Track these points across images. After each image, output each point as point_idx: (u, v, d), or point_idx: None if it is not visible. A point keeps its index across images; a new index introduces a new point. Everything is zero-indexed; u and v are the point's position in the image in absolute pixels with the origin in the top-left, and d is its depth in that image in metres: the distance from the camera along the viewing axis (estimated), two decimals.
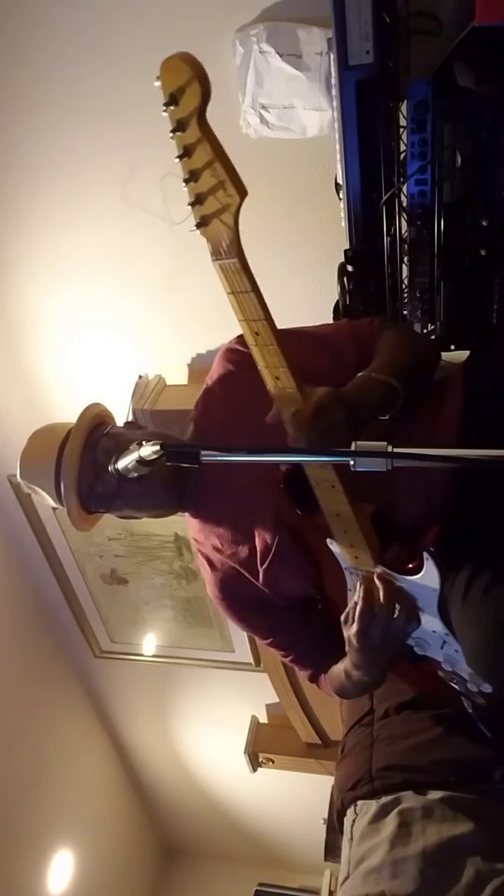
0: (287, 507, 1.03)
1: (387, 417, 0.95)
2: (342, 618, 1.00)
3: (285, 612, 1.18)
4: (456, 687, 1.03)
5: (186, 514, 1.20)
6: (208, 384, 1.17)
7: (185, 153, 0.69)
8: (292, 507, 1.02)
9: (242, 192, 0.70)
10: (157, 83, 0.66)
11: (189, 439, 1.16)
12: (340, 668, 1.10)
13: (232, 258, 0.74)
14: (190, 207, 0.73)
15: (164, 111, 0.67)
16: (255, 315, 0.79)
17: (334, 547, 1.00)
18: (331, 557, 1.03)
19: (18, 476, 1.16)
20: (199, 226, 0.73)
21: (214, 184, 0.70)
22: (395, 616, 0.95)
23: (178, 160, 0.70)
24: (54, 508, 1.14)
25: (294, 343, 0.86)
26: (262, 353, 0.82)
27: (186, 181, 0.71)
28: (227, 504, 1.12)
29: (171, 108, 0.66)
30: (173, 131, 0.68)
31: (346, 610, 0.99)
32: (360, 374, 0.97)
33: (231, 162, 0.69)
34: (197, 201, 0.72)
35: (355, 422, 0.86)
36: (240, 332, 0.84)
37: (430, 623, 0.97)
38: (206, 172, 0.69)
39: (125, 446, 0.86)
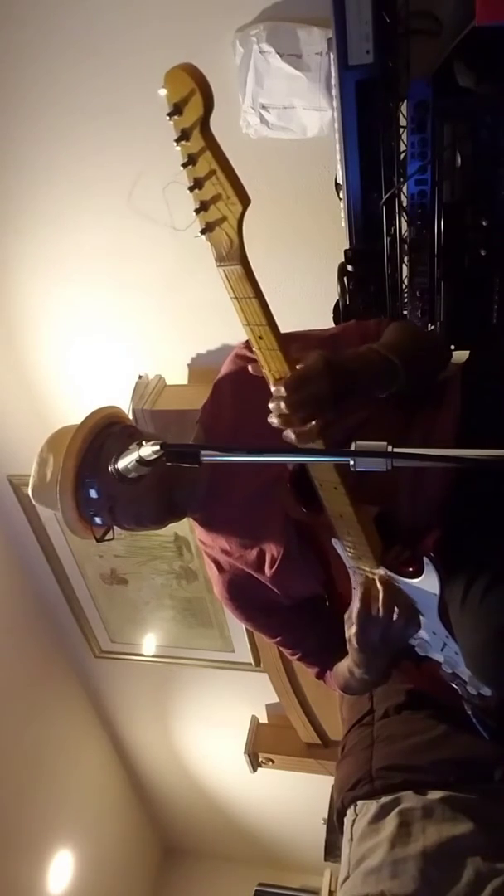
0: (293, 506, 1.04)
1: (384, 396, 0.94)
2: (345, 616, 1.00)
3: (293, 611, 1.18)
4: (456, 689, 1.03)
5: (192, 517, 1.19)
6: (217, 389, 1.17)
7: (190, 161, 0.70)
8: (298, 507, 1.02)
9: (245, 200, 0.71)
10: (162, 92, 0.67)
11: (196, 441, 1.15)
12: (344, 666, 1.11)
13: (235, 265, 0.75)
14: (195, 213, 0.73)
15: (169, 120, 0.68)
16: (258, 320, 0.79)
17: (338, 547, 1.01)
18: (339, 555, 1.03)
19: (34, 500, 1.13)
20: (203, 232, 0.74)
21: (217, 193, 0.71)
22: (395, 619, 0.95)
23: (182, 168, 0.71)
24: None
25: (300, 346, 0.86)
26: (266, 357, 0.83)
27: (191, 189, 0.72)
28: (236, 507, 1.12)
29: (176, 117, 0.67)
30: (177, 140, 0.69)
31: (349, 610, 0.99)
32: (361, 346, 0.97)
33: (234, 171, 0.70)
34: (202, 208, 0.72)
35: (344, 392, 0.84)
36: (244, 335, 0.84)
37: (431, 625, 0.98)
38: (209, 181, 0.70)
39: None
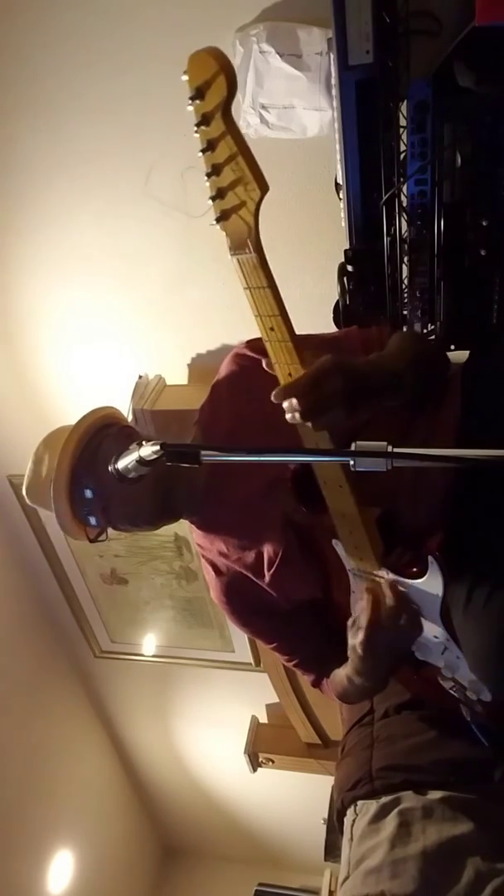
0: (295, 506, 1.03)
1: (391, 404, 0.92)
2: (348, 623, 0.99)
3: (290, 617, 1.17)
4: (455, 694, 1.03)
5: (189, 520, 1.19)
6: (215, 390, 1.16)
7: (209, 147, 0.69)
8: (300, 506, 1.02)
9: (264, 187, 0.70)
10: (185, 77, 0.66)
11: (195, 442, 1.15)
12: (342, 674, 1.09)
13: (250, 253, 0.74)
14: (211, 202, 0.73)
15: (190, 105, 0.67)
16: (270, 311, 0.79)
17: (339, 548, 1.00)
18: (337, 559, 1.03)
19: (28, 500, 1.13)
20: (219, 220, 0.73)
21: (236, 178, 0.70)
22: (402, 623, 0.95)
23: (201, 154, 0.70)
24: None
25: (309, 352, 0.85)
26: (276, 349, 0.82)
27: (209, 175, 0.71)
28: (234, 509, 1.11)
29: (197, 102, 0.67)
30: (198, 125, 0.68)
31: (353, 616, 0.98)
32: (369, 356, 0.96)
33: (253, 157, 0.70)
34: (218, 195, 0.72)
35: (355, 396, 0.83)
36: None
37: (432, 629, 0.97)
38: (229, 167, 0.70)
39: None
